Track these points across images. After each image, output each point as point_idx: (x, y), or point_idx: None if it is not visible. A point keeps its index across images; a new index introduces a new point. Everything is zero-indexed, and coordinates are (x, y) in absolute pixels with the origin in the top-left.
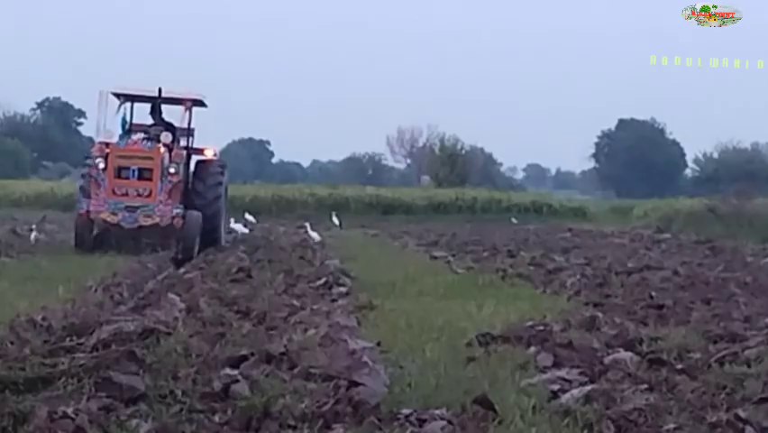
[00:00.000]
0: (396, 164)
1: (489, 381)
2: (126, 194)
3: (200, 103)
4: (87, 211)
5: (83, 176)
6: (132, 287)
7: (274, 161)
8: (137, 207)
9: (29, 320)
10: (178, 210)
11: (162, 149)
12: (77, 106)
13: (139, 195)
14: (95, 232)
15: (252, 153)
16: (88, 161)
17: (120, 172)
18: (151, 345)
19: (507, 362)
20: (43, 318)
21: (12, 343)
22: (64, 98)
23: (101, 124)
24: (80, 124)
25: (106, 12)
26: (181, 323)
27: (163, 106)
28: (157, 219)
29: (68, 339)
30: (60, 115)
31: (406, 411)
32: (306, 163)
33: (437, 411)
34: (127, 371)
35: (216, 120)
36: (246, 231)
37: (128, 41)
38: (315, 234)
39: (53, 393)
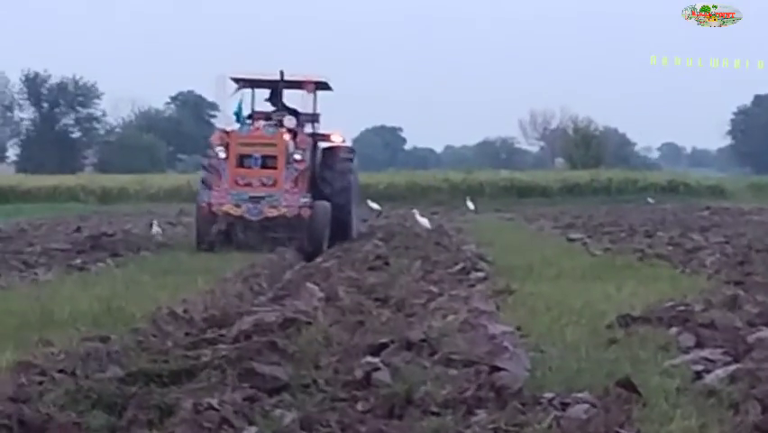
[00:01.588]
0: (529, 147)
1: (631, 362)
2: (250, 184)
3: (325, 86)
4: (209, 204)
5: (204, 167)
6: (270, 277)
7: (407, 147)
8: (262, 198)
9: (170, 313)
10: (306, 200)
11: (286, 135)
12: (210, 99)
13: (263, 184)
14: (220, 227)
15: (385, 141)
16: (209, 151)
17: (242, 161)
18: (292, 334)
19: (648, 343)
20: (184, 311)
21: (154, 336)
22: (197, 92)
23: (223, 111)
24: (213, 116)
25: (233, 7)
26: (321, 312)
27: (289, 93)
28: (283, 210)
29: (209, 331)
30: (194, 107)
31: (548, 395)
32: (438, 149)
33: (580, 394)
34: (269, 361)
35: (348, 108)
36: (378, 207)
37: (259, 32)
38: (424, 221)
39: (197, 385)
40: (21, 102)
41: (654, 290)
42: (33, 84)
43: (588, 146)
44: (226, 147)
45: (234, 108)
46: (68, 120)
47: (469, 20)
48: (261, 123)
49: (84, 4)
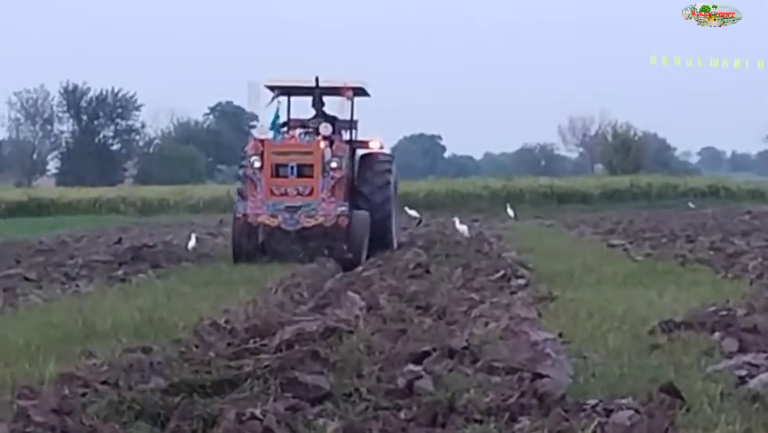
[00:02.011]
0: (568, 153)
1: (675, 368)
2: (285, 193)
3: (362, 92)
4: (245, 215)
5: (239, 177)
6: (311, 286)
7: (446, 155)
8: (298, 207)
9: (212, 323)
10: (343, 208)
11: (322, 142)
12: (249, 110)
13: (299, 194)
14: (258, 240)
15: (424, 149)
16: (244, 161)
17: (277, 170)
18: (334, 343)
19: (691, 348)
20: (226, 321)
21: (197, 346)
22: (236, 102)
23: (261, 121)
24: (253, 126)
25: (272, 16)
26: (362, 321)
27: (325, 99)
28: (320, 219)
29: (251, 341)
30: (233, 118)
31: (591, 402)
32: (478, 156)
33: (623, 401)
34: (312, 370)
35: (387, 116)
36: (416, 214)
37: (297, 41)
38: (463, 228)
39: (240, 395)
40: (60, 115)
41: (696, 295)
42: (73, 96)
43: (627, 152)
44: (261, 156)
45: (270, 117)
46: (108, 132)
47: (508, 26)
48: (297, 131)
49: (121, 15)
